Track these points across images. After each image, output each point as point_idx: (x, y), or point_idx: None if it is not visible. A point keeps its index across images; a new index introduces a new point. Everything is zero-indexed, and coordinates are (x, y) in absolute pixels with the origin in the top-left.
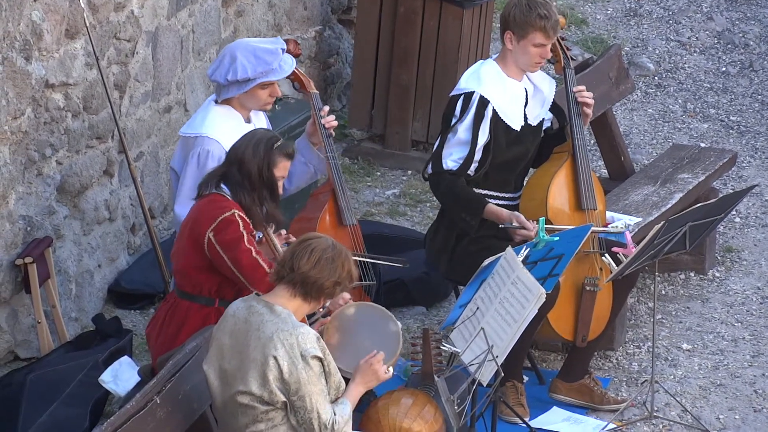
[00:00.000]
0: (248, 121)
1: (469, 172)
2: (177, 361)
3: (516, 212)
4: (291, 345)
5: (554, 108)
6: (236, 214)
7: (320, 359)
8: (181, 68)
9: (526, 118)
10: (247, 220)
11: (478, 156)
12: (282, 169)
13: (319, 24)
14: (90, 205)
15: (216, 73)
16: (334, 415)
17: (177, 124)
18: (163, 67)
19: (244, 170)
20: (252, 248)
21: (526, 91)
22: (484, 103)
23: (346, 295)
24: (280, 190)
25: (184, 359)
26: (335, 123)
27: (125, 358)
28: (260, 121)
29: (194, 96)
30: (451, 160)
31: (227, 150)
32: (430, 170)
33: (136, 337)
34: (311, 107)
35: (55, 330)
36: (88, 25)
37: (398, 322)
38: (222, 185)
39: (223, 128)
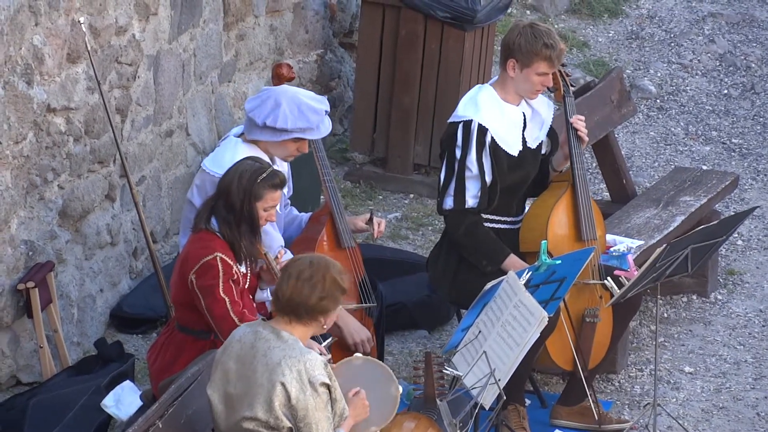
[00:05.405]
0: (272, 162)
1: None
2: (179, 386)
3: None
4: (299, 371)
5: (549, 132)
6: (218, 258)
7: (328, 386)
8: (183, 92)
9: (525, 142)
10: (230, 262)
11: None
12: (269, 200)
13: (321, 47)
14: (92, 229)
15: (255, 112)
16: None
17: (179, 148)
18: (164, 90)
19: (228, 203)
20: (227, 298)
21: (524, 115)
22: (482, 131)
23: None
24: (273, 218)
25: (187, 383)
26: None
27: (127, 383)
28: (282, 163)
29: (196, 120)
30: (471, 196)
31: None
32: (451, 206)
33: (138, 362)
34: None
35: (57, 355)
36: (89, 49)
37: (400, 387)
38: (212, 219)
39: None
